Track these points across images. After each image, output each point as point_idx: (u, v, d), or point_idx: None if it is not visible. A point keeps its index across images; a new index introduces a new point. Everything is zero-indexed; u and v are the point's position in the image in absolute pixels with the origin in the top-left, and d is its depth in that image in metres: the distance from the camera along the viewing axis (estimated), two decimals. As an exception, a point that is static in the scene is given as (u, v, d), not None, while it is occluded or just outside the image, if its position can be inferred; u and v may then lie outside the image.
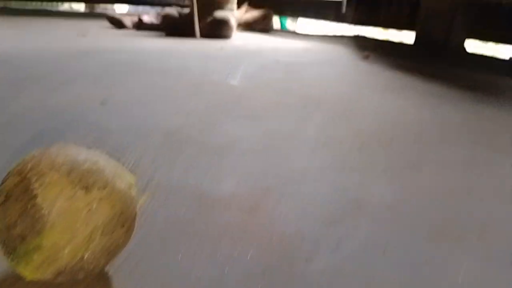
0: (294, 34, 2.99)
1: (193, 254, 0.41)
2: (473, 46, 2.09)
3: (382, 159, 0.68)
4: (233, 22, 2.32)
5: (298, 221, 0.48)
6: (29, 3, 3.82)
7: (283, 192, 0.54)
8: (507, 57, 2.23)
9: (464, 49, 2.04)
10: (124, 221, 0.34)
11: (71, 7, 4.47)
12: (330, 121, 0.85)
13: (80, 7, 4.44)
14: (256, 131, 0.77)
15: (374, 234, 0.46)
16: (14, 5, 3.67)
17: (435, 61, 1.80)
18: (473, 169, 0.66)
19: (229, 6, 2.37)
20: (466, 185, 0.60)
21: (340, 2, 2.50)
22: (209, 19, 2.22)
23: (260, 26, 2.68)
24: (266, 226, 0.46)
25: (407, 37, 2.32)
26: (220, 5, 2.31)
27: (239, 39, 2.32)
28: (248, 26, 2.67)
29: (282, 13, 3.18)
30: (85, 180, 0.32)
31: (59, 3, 4.33)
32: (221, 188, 0.54)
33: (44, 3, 4.01)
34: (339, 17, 2.67)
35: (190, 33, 2.22)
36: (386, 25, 2.38)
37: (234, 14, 2.42)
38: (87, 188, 0.32)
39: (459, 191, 0.58)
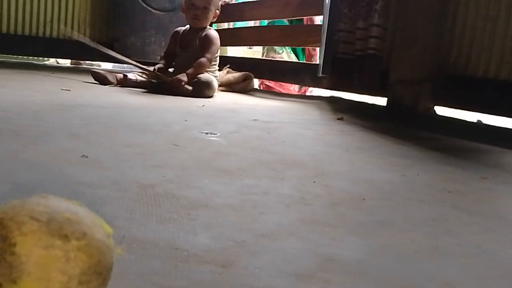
0: (273, 93, 3.10)
1: (166, 307, 0.41)
2: (442, 110, 2.21)
3: (353, 216, 0.70)
4: (215, 84, 2.42)
5: (271, 276, 0.49)
6: (14, 56, 3.88)
7: (257, 247, 0.56)
8: (474, 120, 2.36)
9: (434, 112, 2.15)
10: (100, 271, 0.35)
11: (57, 62, 4.55)
12: (304, 180, 0.88)
13: (66, 62, 4.53)
14: (232, 187, 0.79)
15: (344, 289, 0.47)
16: (-1, 58, 3.72)
17: (405, 124, 1.89)
18: (440, 227, 0.69)
19: (211, 69, 2.48)
20: (433, 243, 0.62)
21: (317, 67, 2.63)
22: (193, 80, 2.31)
23: (241, 86, 2.78)
24: (239, 281, 0.47)
25: (380, 99, 2.44)
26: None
27: (220, 98, 2.39)
28: (229, 86, 2.77)
29: (261, 76, 3.31)
30: (64, 230, 0.33)
31: (45, 58, 4.41)
32: (196, 242, 0.55)
33: (30, 57, 4.08)
34: (315, 82, 2.81)
35: (172, 91, 2.29)
36: (359, 91, 2.51)
37: (216, 76, 2.52)
38: (65, 237, 0.33)
39: (426, 248, 0.60)
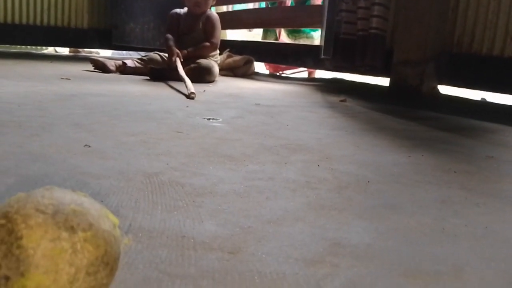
0: (274, 76, 3.08)
1: (175, 296, 0.41)
2: (446, 89, 2.19)
3: (360, 200, 0.70)
4: (216, 69, 2.40)
5: (278, 262, 0.49)
6: (13, 46, 3.86)
7: (264, 233, 0.55)
8: (478, 98, 2.34)
9: (438, 92, 2.13)
10: (108, 261, 0.34)
11: (55, 51, 4.52)
12: (309, 164, 0.88)
13: (65, 50, 4.50)
14: (237, 173, 0.79)
15: (353, 273, 0.47)
16: (-2, 48, 3.70)
17: (409, 104, 1.87)
18: (447, 208, 0.68)
19: (212, 53, 2.46)
20: (440, 224, 0.62)
21: (318, 49, 2.60)
22: (192, 65, 2.29)
23: (242, 70, 2.75)
24: (247, 267, 0.47)
25: (383, 80, 2.42)
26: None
27: (222, 83, 2.38)
28: (230, 70, 2.75)
29: (262, 59, 3.28)
30: (70, 221, 0.33)
31: (44, 47, 4.38)
32: (203, 229, 0.55)
33: (29, 47, 4.05)
34: (317, 64, 2.78)
35: (173, 77, 2.27)
36: (362, 72, 2.48)
37: (217, 60, 2.50)
38: (72, 229, 0.33)
39: (434, 230, 0.60)
